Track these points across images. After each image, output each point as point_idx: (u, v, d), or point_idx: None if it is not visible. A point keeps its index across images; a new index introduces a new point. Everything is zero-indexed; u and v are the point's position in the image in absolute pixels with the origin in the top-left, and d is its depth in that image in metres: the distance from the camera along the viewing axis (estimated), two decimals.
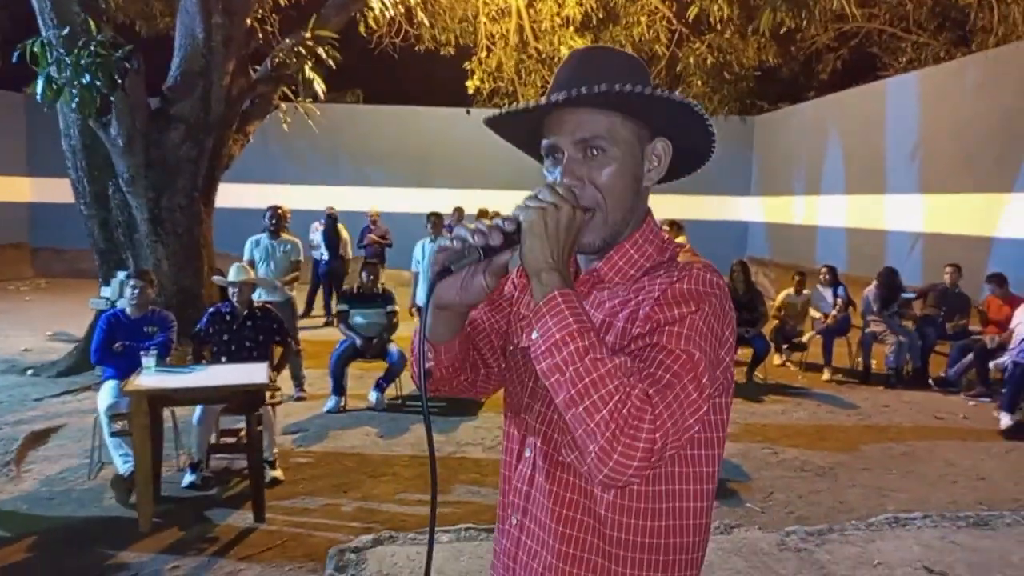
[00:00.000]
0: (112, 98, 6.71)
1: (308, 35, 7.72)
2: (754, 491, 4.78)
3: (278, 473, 4.77)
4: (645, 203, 1.26)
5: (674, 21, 12.33)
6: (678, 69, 13.17)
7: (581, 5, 13.13)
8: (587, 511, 1.17)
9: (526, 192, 1.14)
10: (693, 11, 9.61)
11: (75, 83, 6.42)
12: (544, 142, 1.21)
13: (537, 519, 1.22)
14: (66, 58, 6.37)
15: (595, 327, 1.05)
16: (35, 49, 6.48)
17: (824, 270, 8.34)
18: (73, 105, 6.57)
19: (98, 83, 6.45)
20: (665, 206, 11.54)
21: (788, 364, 8.38)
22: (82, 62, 6.35)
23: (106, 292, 7.38)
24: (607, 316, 1.17)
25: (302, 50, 7.65)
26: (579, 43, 14.01)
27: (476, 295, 1.17)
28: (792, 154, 13.96)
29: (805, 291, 8.32)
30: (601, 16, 13.69)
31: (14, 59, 6.58)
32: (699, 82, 13.19)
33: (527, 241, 1.09)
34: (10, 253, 14.36)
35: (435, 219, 8.38)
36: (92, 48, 6.40)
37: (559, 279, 1.07)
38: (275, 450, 4.87)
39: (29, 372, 7.34)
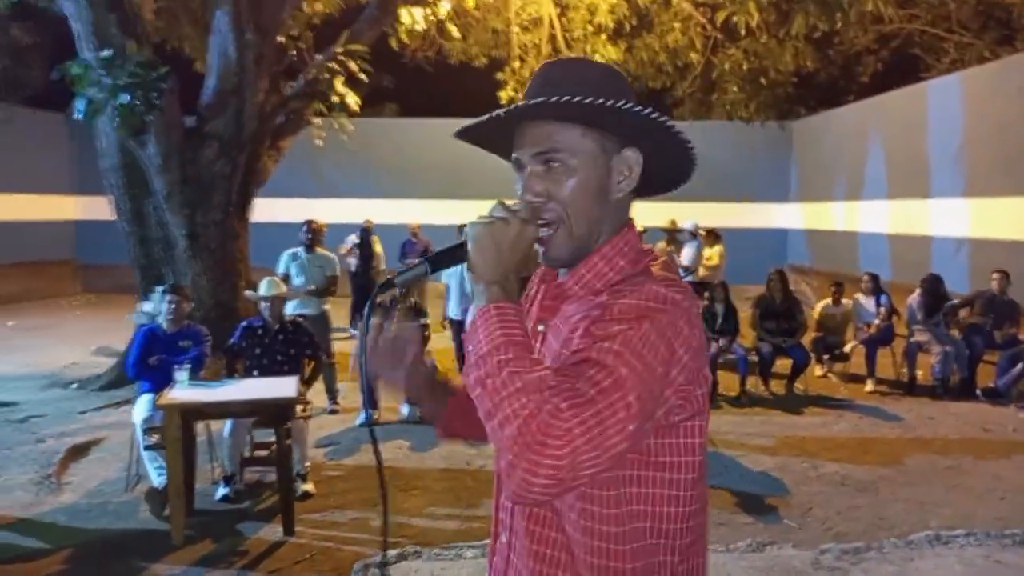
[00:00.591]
0: (149, 117, 6.85)
1: (340, 50, 7.81)
2: (791, 507, 4.65)
3: (309, 486, 4.78)
4: (620, 214, 1.23)
5: (708, 27, 12.21)
6: (713, 76, 13.03)
7: (613, 13, 13.08)
8: (558, 528, 1.15)
9: None
10: (722, 15, 9.50)
11: (113, 103, 6.58)
12: (512, 156, 1.22)
13: (519, 536, 1.22)
14: (104, 78, 6.54)
15: (526, 342, 1.04)
16: (75, 70, 6.65)
17: (866, 278, 8.13)
18: (112, 125, 6.74)
19: (135, 103, 6.61)
20: (701, 214, 11.39)
21: (830, 375, 8.18)
22: (119, 82, 6.52)
23: (146, 307, 7.51)
24: (570, 331, 1.14)
25: (334, 65, 7.73)
26: (612, 51, 13.97)
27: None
28: (832, 159, 13.69)
29: (844, 301, 8.12)
30: (634, 24, 13.62)
31: (53, 77, 6.77)
32: (734, 88, 13.03)
33: (472, 255, 1.10)
34: (57, 270, 14.77)
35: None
36: (129, 68, 6.56)
37: (499, 292, 1.08)
38: (307, 463, 4.89)
39: (73, 386, 7.52)
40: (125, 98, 6.61)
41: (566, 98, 1.10)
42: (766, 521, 4.42)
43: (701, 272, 9.10)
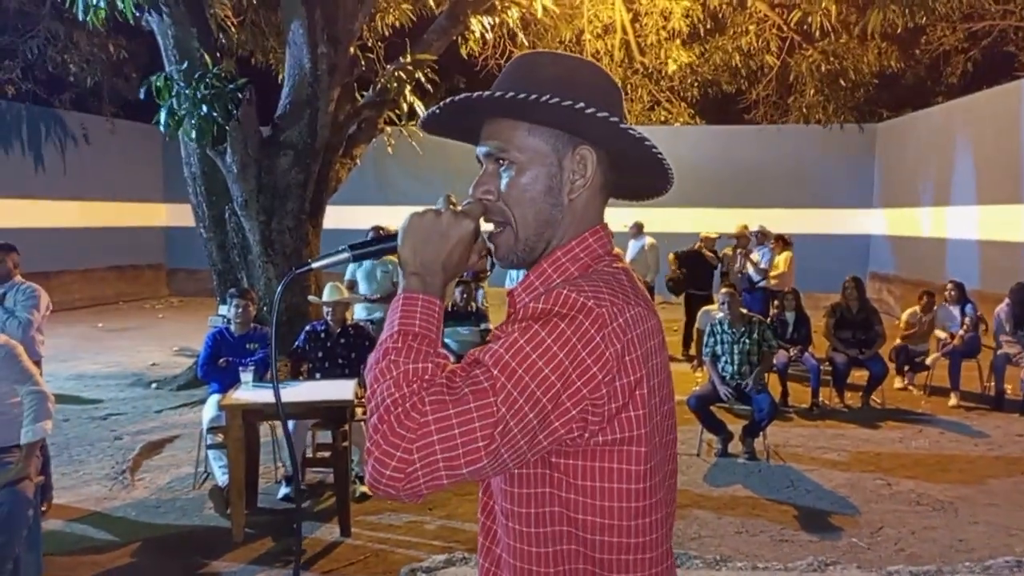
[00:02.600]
0: (227, 128, 7.13)
1: (409, 60, 7.94)
2: (861, 525, 4.44)
3: (367, 488, 4.84)
4: (580, 217, 1.16)
5: (785, 28, 11.87)
6: (789, 78, 12.65)
7: (688, 17, 12.90)
8: (501, 530, 1.15)
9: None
10: (796, 16, 9.22)
11: (194, 114, 6.88)
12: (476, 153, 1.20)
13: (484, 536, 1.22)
14: (185, 91, 6.83)
15: (424, 334, 1.03)
16: (158, 83, 6.98)
17: (950, 286, 7.72)
18: (192, 135, 7.04)
19: (215, 114, 6.88)
20: (776, 220, 11.08)
21: (911, 388, 7.79)
22: (200, 94, 6.80)
23: (223, 310, 7.81)
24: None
25: (403, 75, 7.86)
26: (685, 56, 13.77)
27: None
28: (918, 163, 13.07)
29: (935, 308, 7.73)
30: (708, 27, 13.39)
31: (140, 94, 7.11)
32: (812, 91, 12.62)
33: (400, 244, 1.10)
34: (148, 274, 15.53)
35: None
36: (209, 81, 6.84)
37: (416, 283, 1.08)
38: (364, 466, 4.96)
39: (153, 385, 7.87)
40: (204, 110, 6.89)
41: (487, 93, 1.07)
42: (830, 539, 4.23)
43: (772, 280, 8.81)
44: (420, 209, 1.11)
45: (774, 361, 6.01)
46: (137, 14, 7.04)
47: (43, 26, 11.90)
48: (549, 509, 1.07)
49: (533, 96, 1.05)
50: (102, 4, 6.53)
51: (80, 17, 6.93)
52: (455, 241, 1.09)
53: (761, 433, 5.55)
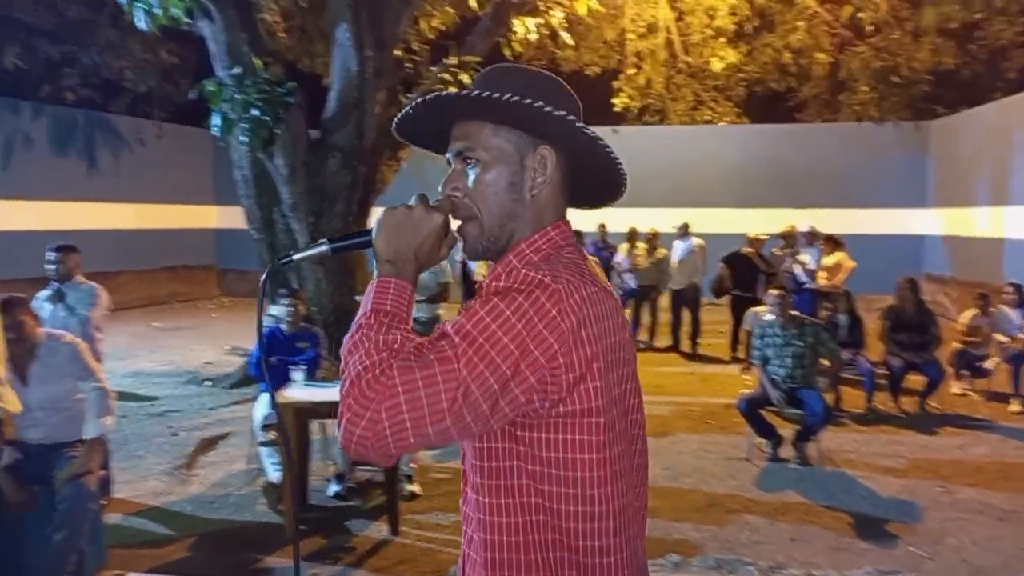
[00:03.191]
0: (276, 131, 7.24)
1: (453, 61, 7.98)
2: (919, 534, 4.32)
3: (415, 487, 4.88)
4: (541, 212, 1.25)
5: (835, 24, 11.62)
6: (840, 75, 12.38)
7: (734, 15, 12.72)
8: (472, 508, 1.22)
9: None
10: (847, 11, 9.01)
11: (244, 118, 7.00)
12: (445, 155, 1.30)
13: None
14: (235, 95, 6.97)
15: (395, 312, 1.13)
16: (209, 88, 7.13)
17: (1009, 288, 7.47)
18: (243, 138, 7.17)
19: (264, 117, 7.00)
20: (827, 220, 10.86)
21: (970, 393, 7.55)
22: (249, 98, 6.92)
23: (273, 310, 7.93)
24: None
25: (448, 76, 7.90)
26: (732, 54, 13.58)
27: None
28: (975, 161, 12.68)
29: (991, 309, 7.49)
30: (756, 25, 13.19)
31: (192, 95, 7.28)
32: (864, 88, 12.32)
33: (375, 235, 1.20)
34: (200, 274, 15.88)
35: (578, 237, 8.32)
36: (258, 85, 6.96)
37: (389, 269, 1.17)
38: (413, 464, 4.99)
39: (207, 383, 8.04)
40: (254, 113, 7.02)
41: (455, 92, 1.17)
42: (889, 548, 4.12)
43: (821, 281, 8.62)
44: (393, 207, 1.20)
45: (826, 363, 5.87)
46: (189, 20, 7.20)
47: (100, 34, 12.25)
48: (517, 481, 1.15)
49: (496, 95, 1.15)
50: (157, 10, 6.70)
51: (139, 25, 7.12)
52: (426, 233, 1.19)
53: (814, 438, 5.44)
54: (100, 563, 3.54)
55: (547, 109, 1.16)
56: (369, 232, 1.22)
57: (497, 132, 1.22)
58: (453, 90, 1.21)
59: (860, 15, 8.77)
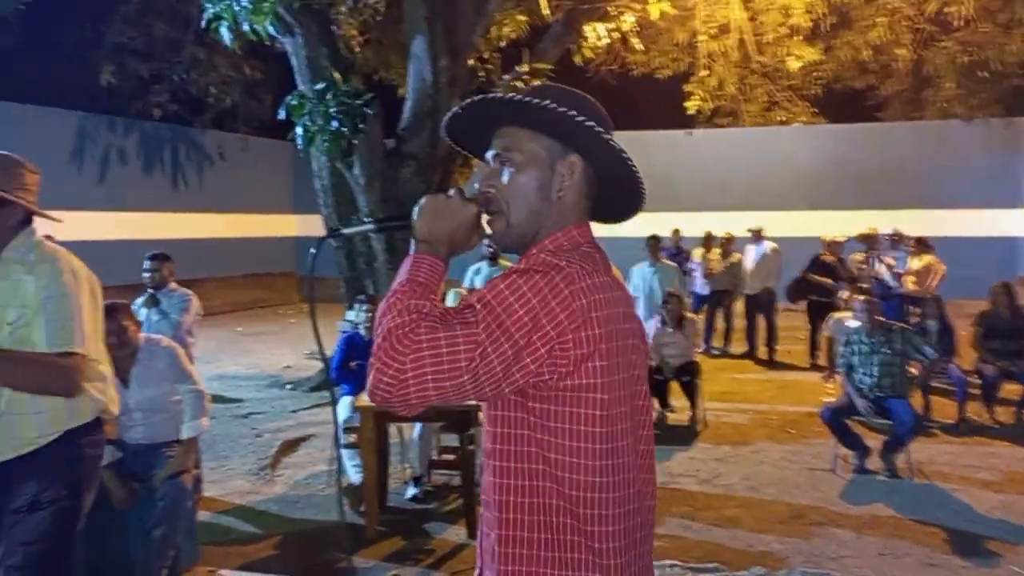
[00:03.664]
0: (355, 141, 7.43)
1: (524, 69, 8.03)
2: (1021, 553, 4.10)
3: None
4: (565, 215, 1.36)
5: (917, 19, 11.19)
6: (924, 72, 11.91)
7: (811, 12, 12.39)
8: (488, 472, 1.34)
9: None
10: (933, 6, 8.65)
11: (325, 129, 7.21)
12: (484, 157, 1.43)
13: None
14: (317, 108, 7.18)
15: (427, 283, 1.26)
16: (293, 102, 7.37)
17: None
18: (323, 149, 7.38)
19: (343, 128, 7.20)
20: (909, 222, 10.45)
21: None
22: (330, 111, 7.13)
23: (350, 316, 8.13)
24: None
25: (520, 84, 7.95)
26: (808, 52, 13.24)
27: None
28: None
29: None
30: (833, 22, 12.83)
31: (281, 114, 7.55)
32: (950, 84, 11.82)
33: (414, 218, 1.33)
34: (280, 281, 16.39)
35: (653, 242, 8.24)
36: (338, 97, 7.16)
37: (424, 248, 1.31)
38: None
39: (288, 386, 8.29)
40: (334, 125, 7.22)
41: (499, 95, 1.31)
42: (988, 567, 3.93)
43: (909, 286, 8.29)
44: (435, 194, 1.34)
45: (914, 372, 5.64)
46: (274, 35, 7.46)
47: (187, 52, 12.81)
48: (526, 449, 1.26)
49: (535, 100, 1.28)
50: (245, 28, 6.97)
51: (225, 41, 7.42)
52: (460, 220, 1.33)
53: (903, 449, 5.24)
54: (194, 559, 3.69)
55: (580, 119, 1.28)
56: (410, 215, 1.34)
57: (533, 138, 1.34)
58: (502, 94, 1.33)
59: (947, 9, 8.40)
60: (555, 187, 1.34)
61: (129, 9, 12.52)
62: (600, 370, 1.23)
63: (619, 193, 1.42)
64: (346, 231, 1.46)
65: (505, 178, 1.35)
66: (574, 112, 1.27)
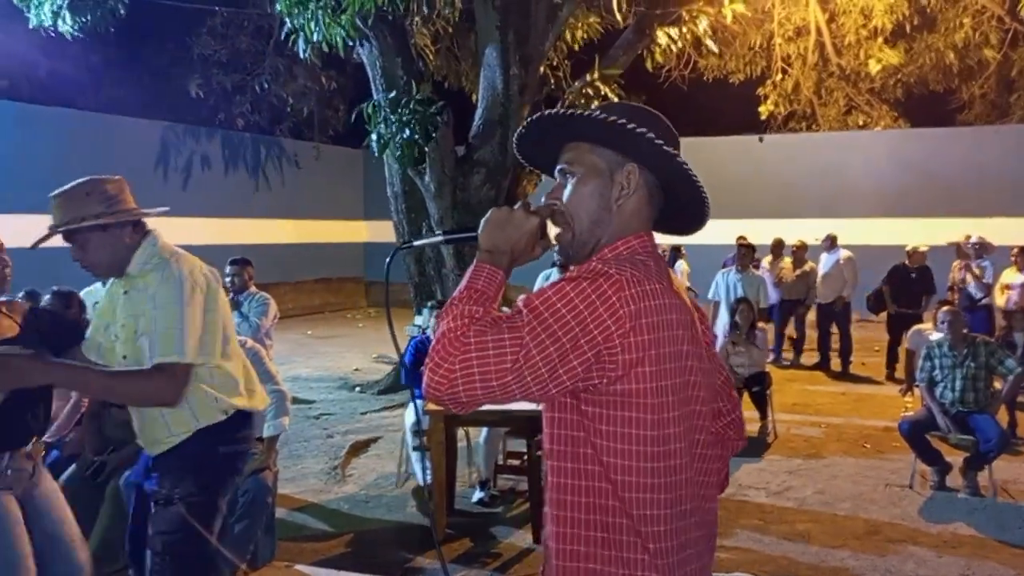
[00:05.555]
0: (426, 149, 7.58)
1: (595, 76, 8.04)
2: None
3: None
4: (625, 224, 1.40)
5: (1006, 20, 10.74)
6: (1012, 74, 11.41)
7: (892, 13, 12.03)
8: (549, 473, 1.39)
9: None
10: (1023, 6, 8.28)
11: (398, 138, 7.38)
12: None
13: None
14: (391, 116, 7.36)
15: (485, 290, 1.32)
16: (368, 111, 7.57)
17: None
18: (396, 156, 7.55)
19: (416, 136, 7.35)
20: (995, 230, 10.01)
21: None
22: (403, 119, 7.29)
23: (418, 320, 8.29)
24: None
25: (590, 91, 7.97)
26: (890, 55, 12.85)
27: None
28: None
29: None
30: (916, 23, 12.41)
31: (352, 120, 7.76)
32: None
33: (480, 229, 1.39)
34: (350, 286, 16.79)
35: (744, 250, 7.95)
36: (411, 106, 7.32)
37: (486, 257, 1.36)
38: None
39: (357, 389, 8.49)
40: (407, 133, 7.38)
41: (550, 111, 1.38)
42: None
43: (998, 299, 7.93)
44: (500, 206, 1.40)
45: (998, 386, 5.39)
46: (350, 44, 7.67)
47: (268, 63, 13.28)
48: (583, 450, 1.31)
49: (596, 114, 1.34)
50: (319, 38, 7.20)
51: (300, 53, 7.68)
52: (523, 232, 1.38)
53: (987, 466, 5.02)
54: (272, 553, 3.83)
55: (640, 131, 1.32)
56: (477, 227, 1.40)
57: (593, 150, 1.40)
58: (560, 110, 1.39)
59: None
60: (614, 196, 1.39)
61: (215, 23, 13.06)
62: (650, 375, 1.26)
63: (684, 204, 1.45)
64: (416, 243, 1.54)
65: (568, 190, 1.41)
66: (632, 124, 1.31)
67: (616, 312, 1.23)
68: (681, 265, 10.02)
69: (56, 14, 8.09)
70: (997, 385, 5.35)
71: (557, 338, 1.22)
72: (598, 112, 1.35)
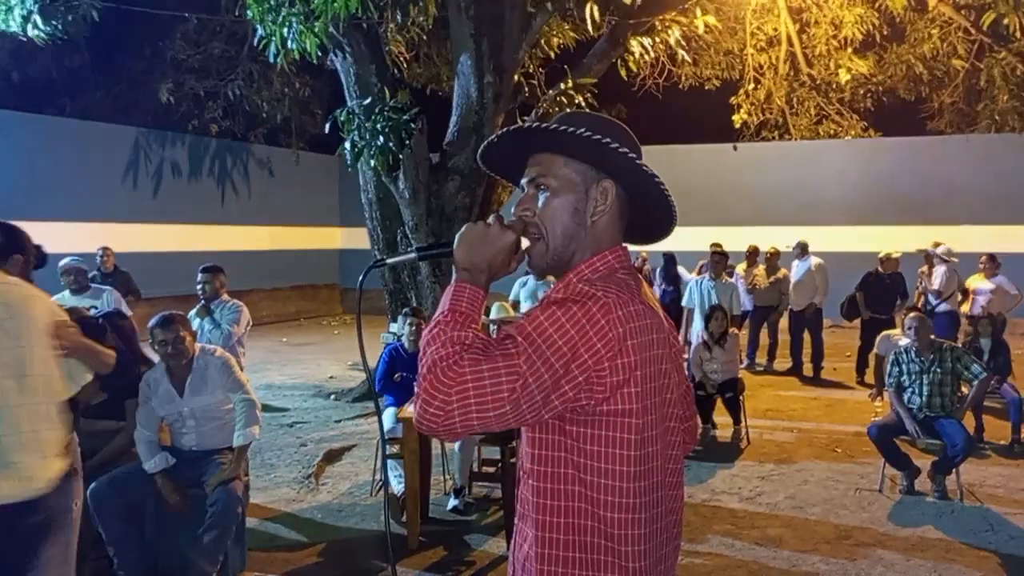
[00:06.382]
0: (400, 156, 7.56)
1: (569, 85, 8.08)
2: None
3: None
4: (600, 238, 1.40)
5: (972, 31, 10.96)
6: (979, 83, 11.65)
7: (861, 24, 12.23)
8: (526, 490, 1.39)
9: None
10: (988, 18, 8.44)
11: (372, 144, 7.36)
12: (519, 183, 1.48)
13: None
14: (365, 123, 7.33)
15: (468, 312, 1.30)
16: (342, 118, 7.54)
17: None
18: (371, 163, 7.53)
19: (390, 143, 7.33)
20: (964, 237, 10.22)
21: None
22: (377, 126, 7.27)
23: (393, 328, 8.25)
24: None
25: (563, 100, 8.01)
26: (859, 65, 13.05)
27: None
28: None
29: None
30: (885, 33, 12.63)
31: (326, 128, 7.72)
32: (1005, 97, 11.53)
33: (455, 246, 1.36)
34: (324, 293, 16.69)
35: (717, 258, 7.92)
36: (385, 113, 7.30)
37: (465, 276, 1.34)
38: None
39: (331, 397, 8.43)
40: (381, 140, 7.36)
41: (535, 124, 1.37)
42: None
43: (964, 305, 8.08)
44: (474, 221, 1.38)
45: (965, 391, 5.49)
46: (321, 54, 7.64)
47: (241, 68, 13.18)
48: (563, 470, 1.31)
49: (571, 129, 1.32)
50: (292, 46, 7.16)
51: (271, 59, 7.63)
52: (499, 247, 1.35)
53: (954, 470, 5.11)
54: (243, 564, 3.78)
55: (613, 145, 1.32)
56: (451, 243, 1.38)
57: (568, 163, 1.38)
58: (535, 123, 1.39)
59: (1005, 21, 8.17)
60: (589, 211, 1.38)
61: (188, 28, 12.95)
62: (635, 396, 1.27)
63: (651, 215, 1.46)
64: (389, 260, 1.52)
65: (541, 203, 1.39)
66: (607, 139, 1.32)
67: (605, 335, 1.24)
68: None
69: (26, 19, 7.97)
70: (964, 390, 5.45)
71: (551, 365, 1.22)
72: (570, 126, 1.34)
